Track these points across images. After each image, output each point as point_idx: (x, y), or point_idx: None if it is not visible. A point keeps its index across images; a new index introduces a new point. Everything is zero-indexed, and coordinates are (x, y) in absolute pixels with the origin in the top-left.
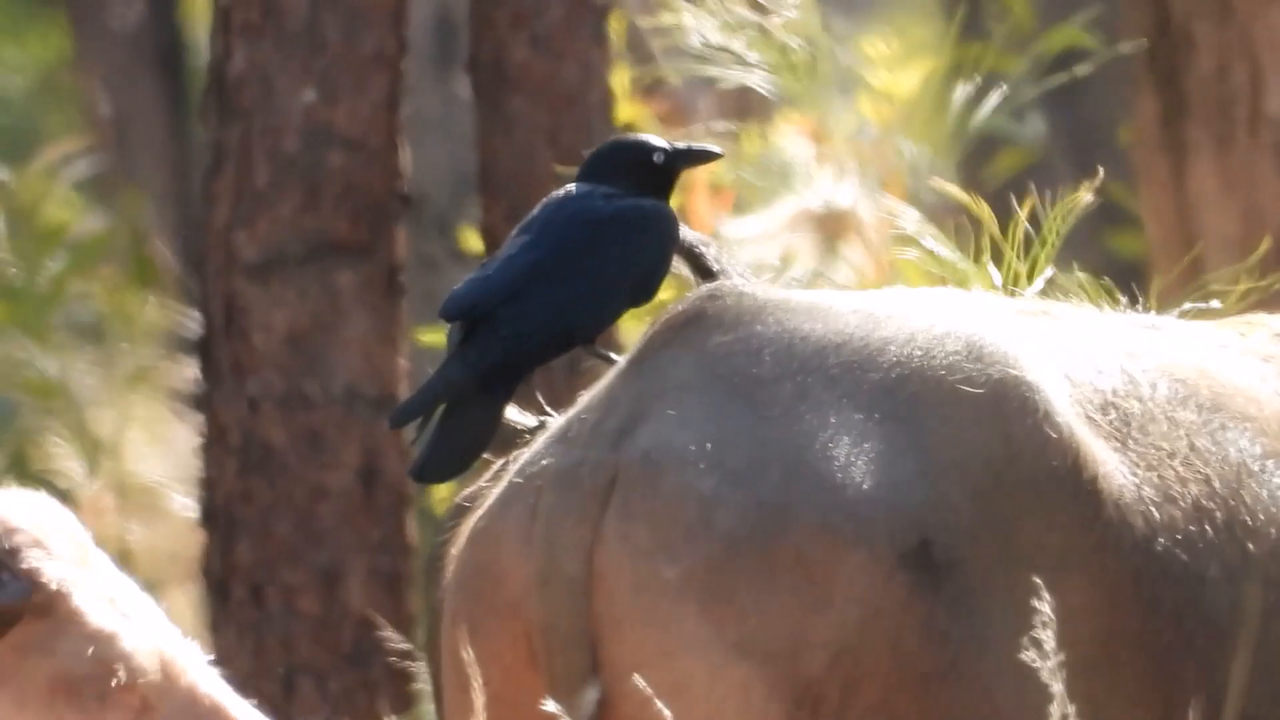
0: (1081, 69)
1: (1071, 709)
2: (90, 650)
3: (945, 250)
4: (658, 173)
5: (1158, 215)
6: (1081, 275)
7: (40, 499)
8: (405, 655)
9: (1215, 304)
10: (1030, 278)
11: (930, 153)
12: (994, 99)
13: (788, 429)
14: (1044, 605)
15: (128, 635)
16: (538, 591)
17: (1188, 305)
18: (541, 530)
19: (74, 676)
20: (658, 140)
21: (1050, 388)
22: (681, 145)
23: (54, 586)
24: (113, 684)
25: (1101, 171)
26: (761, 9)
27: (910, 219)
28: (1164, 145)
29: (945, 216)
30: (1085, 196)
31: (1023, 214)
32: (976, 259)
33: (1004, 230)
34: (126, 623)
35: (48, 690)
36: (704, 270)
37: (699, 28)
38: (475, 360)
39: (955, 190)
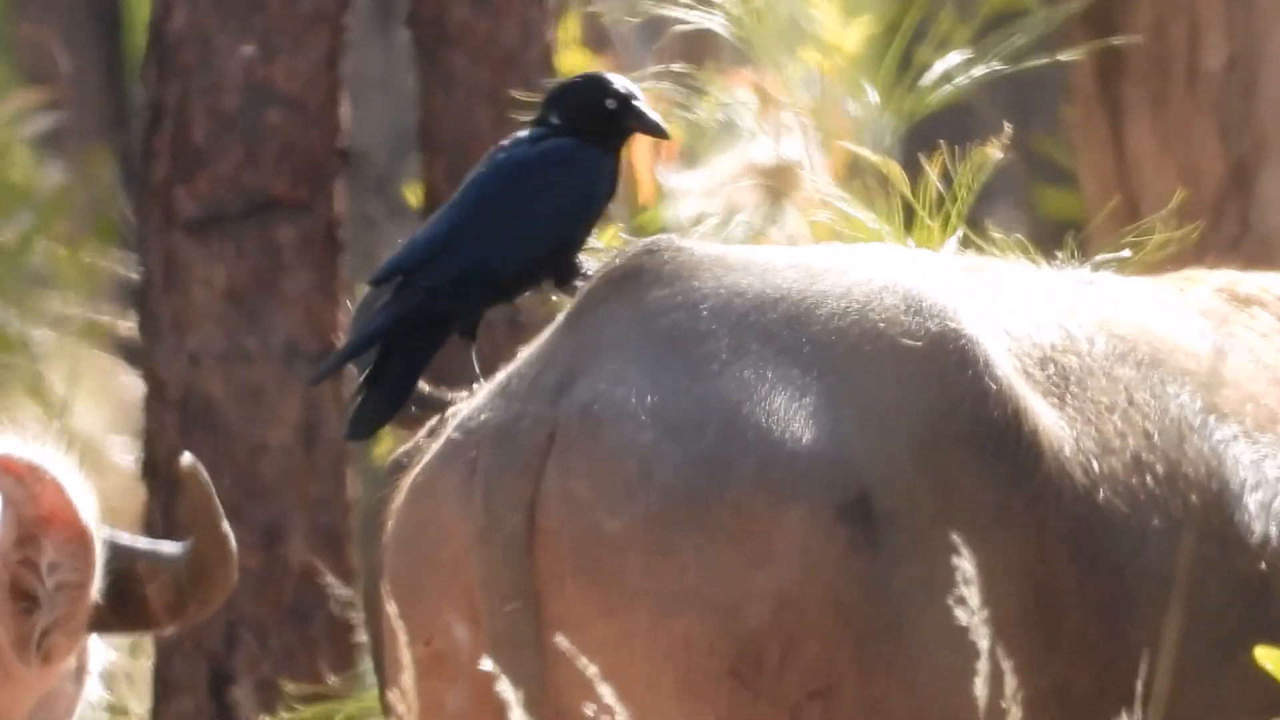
0: (1020, 36)
1: (1009, 665)
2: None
3: (860, 214)
4: (608, 119)
5: (1095, 173)
6: (996, 234)
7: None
8: (346, 610)
9: (1126, 253)
10: (944, 235)
11: (876, 107)
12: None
13: (726, 383)
14: (965, 562)
15: None
16: (478, 548)
17: (1101, 257)
18: (481, 486)
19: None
20: (621, 85)
21: (989, 341)
22: (640, 103)
23: None
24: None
25: (1009, 128)
26: None
27: (825, 183)
28: (1101, 102)
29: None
30: (994, 152)
31: (933, 172)
32: (890, 219)
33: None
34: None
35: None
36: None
37: None
38: (392, 312)
39: (864, 151)
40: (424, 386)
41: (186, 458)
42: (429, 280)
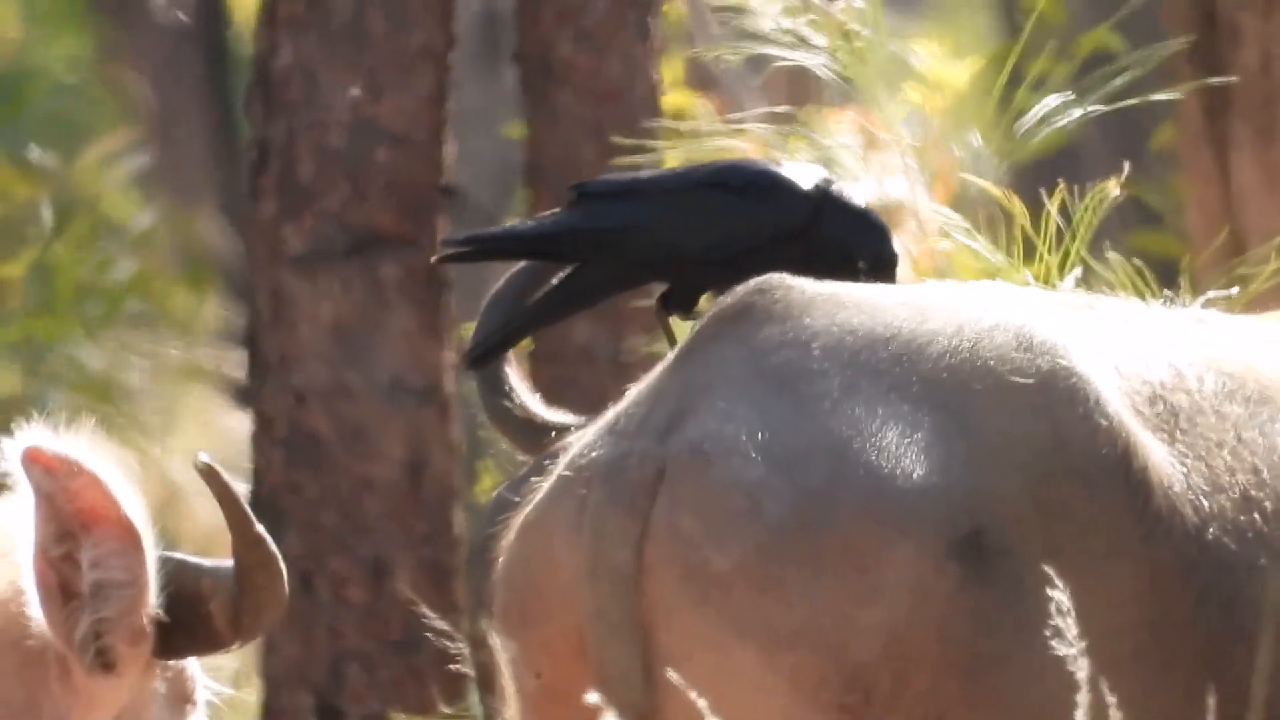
0: (1122, 78)
1: (1113, 699)
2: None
3: (978, 244)
4: (847, 256)
5: (1201, 209)
6: (1113, 257)
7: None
8: (452, 644)
9: (1234, 290)
10: (1062, 271)
11: (980, 145)
12: (1042, 106)
13: (836, 420)
14: (1059, 594)
15: None
16: (587, 583)
17: (1211, 294)
18: (590, 522)
19: (186, 678)
20: (886, 244)
21: (1099, 378)
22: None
23: None
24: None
25: (1128, 167)
26: None
27: (947, 213)
28: (1207, 139)
29: (994, 208)
30: (1113, 189)
31: (1052, 207)
32: (1010, 252)
33: (1043, 220)
34: None
35: (180, 696)
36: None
37: (765, 9)
38: (556, 221)
39: (983, 182)
40: (538, 409)
41: (202, 457)
42: (588, 218)
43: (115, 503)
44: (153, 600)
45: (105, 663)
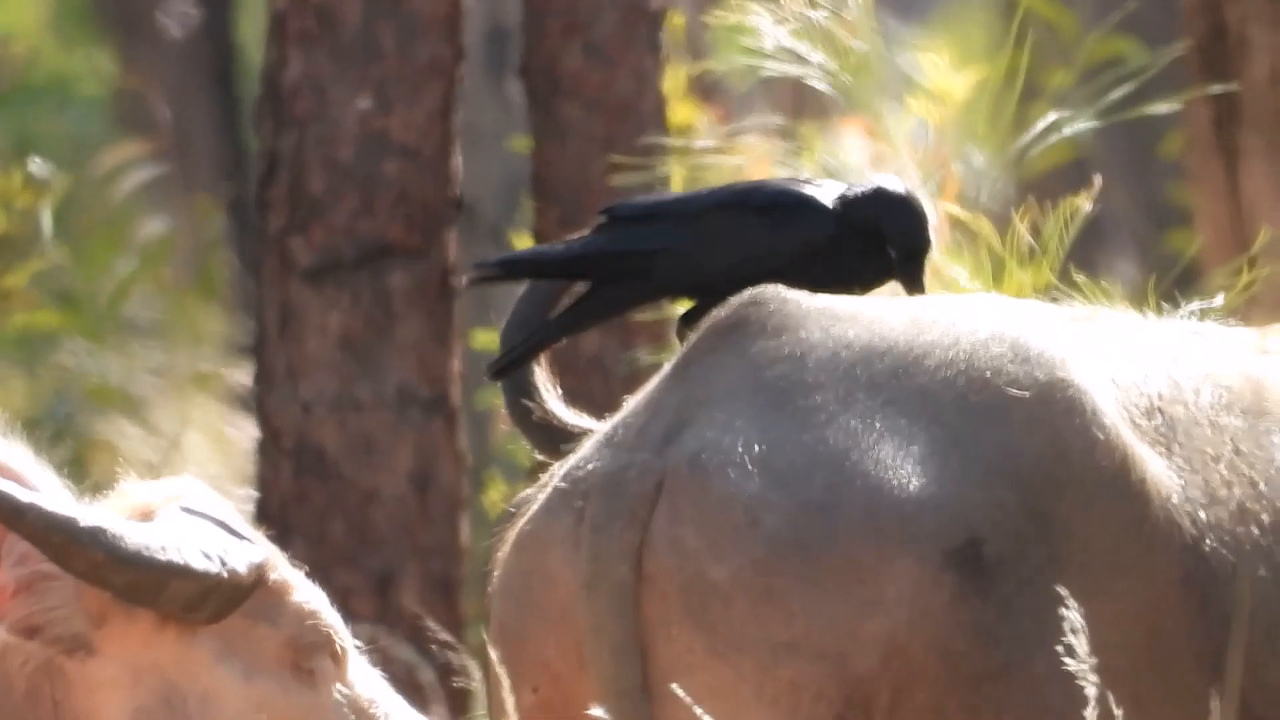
0: (1127, 86)
1: (1119, 712)
2: (308, 621)
3: (953, 268)
4: (880, 251)
5: (1211, 219)
6: (1099, 281)
7: (199, 484)
8: (459, 657)
9: (1218, 300)
10: (1036, 287)
11: (986, 156)
12: (1048, 116)
13: (833, 433)
14: (1072, 613)
15: (327, 607)
16: (585, 596)
17: (1194, 305)
18: (589, 535)
19: (300, 645)
20: (922, 234)
21: (1097, 390)
22: (920, 263)
23: (262, 556)
24: (336, 651)
25: (1099, 180)
26: (819, 7)
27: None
28: (1217, 149)
29: (1002, 218)
30: (1084, 204)
31: (1021, 225)
32: (980, 272)
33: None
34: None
35: (275, 659)
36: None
37: (765, 25)
38: (575, 249)
39: (953, 208)
40: (560, 412)
41: None
42: (615, 241)
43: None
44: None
45: (77, 648)
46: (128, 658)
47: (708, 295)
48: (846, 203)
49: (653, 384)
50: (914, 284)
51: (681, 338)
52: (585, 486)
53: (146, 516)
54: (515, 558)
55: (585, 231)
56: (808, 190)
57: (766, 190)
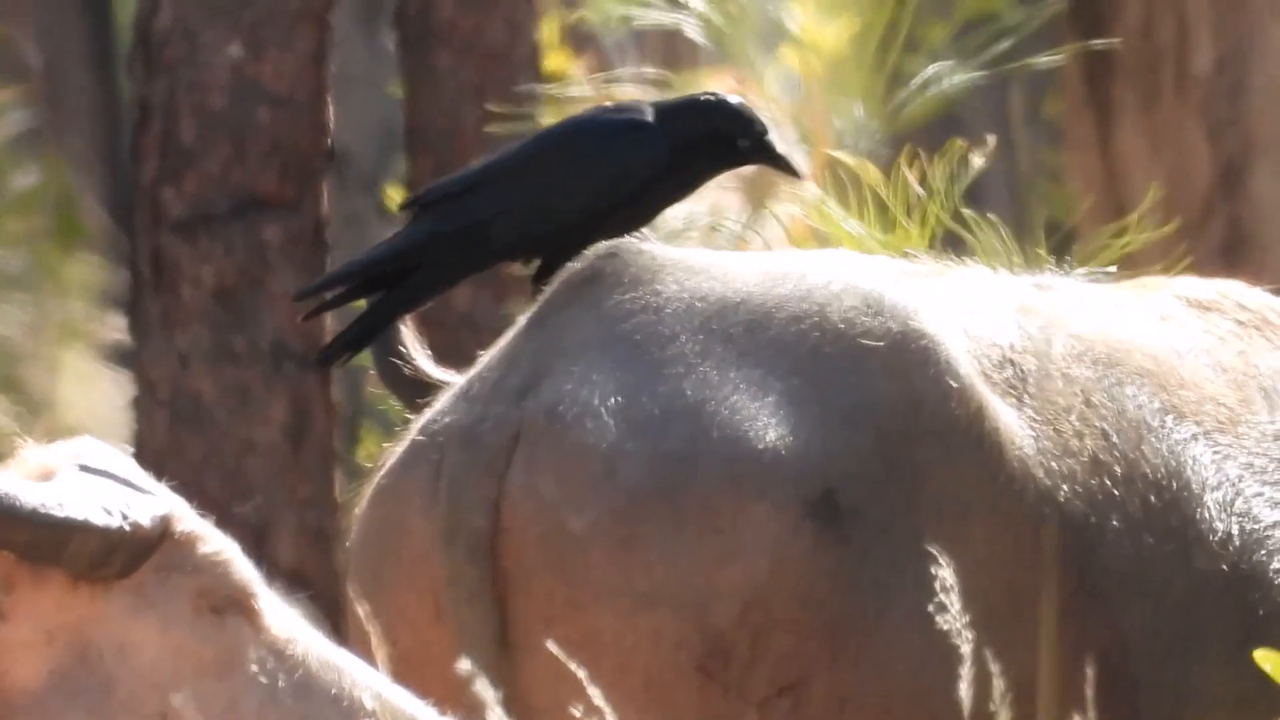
0: (1003, 39)
1: (996, 668)
2: (220, 569)
3: (835, 211)
4: (729, 147)
5: (1085, 176)
6: (976, 218)
7: (98, 443)
8: (333, 609)
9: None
10: (923, 235)
11: (858, 108)
12: (923, 73)
13: (690, 384)
14: (945, 571)
15: (239, 554)
16: (443, 548)
17: (1083, 268)
18: (446, 487)
19: (213, 593)
20: (758, 121)
21: (950, 341)
22: (774, 142)
23: (167, 508)
24: (250, 596)
25: (993, 139)
26: None
27: (807, 184)
28: (1090, 104)
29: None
30: (976, 159)
31: (910, 175)
32: (874, 220)
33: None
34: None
35: (190, 609)
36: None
37: None
38: (393, 245)
39: (841, 154)
40: (429, 369)
41: None
42: (443, 220)
43: None
44: None
45: None
46: (39, 620)
47: (560, 245)
48: (667, 116)
49: (508, 338)
50: (779, 161)
51: (536, 295)
52: (441, 439)
53: (46, 478)
54: (373, 510)
55: (399, 229)
56: (626, 115)
57: (587, 127)
